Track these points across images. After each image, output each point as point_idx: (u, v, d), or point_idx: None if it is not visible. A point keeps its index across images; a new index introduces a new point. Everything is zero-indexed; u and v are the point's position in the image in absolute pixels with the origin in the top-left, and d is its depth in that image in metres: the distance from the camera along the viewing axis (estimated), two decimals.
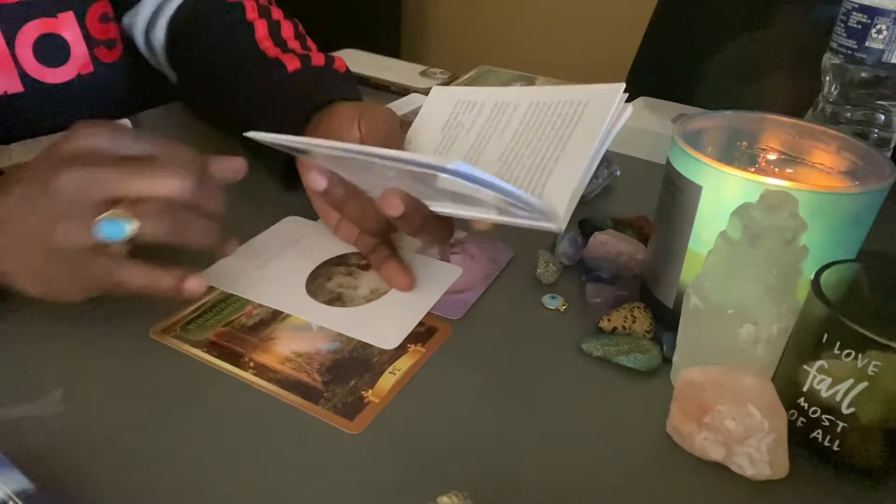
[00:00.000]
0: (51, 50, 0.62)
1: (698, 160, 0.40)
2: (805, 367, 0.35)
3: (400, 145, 0.49)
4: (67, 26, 0.63)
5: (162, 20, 0.70)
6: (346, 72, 0.63)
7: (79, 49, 0.64)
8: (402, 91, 0.85)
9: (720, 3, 1.02)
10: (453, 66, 0.97)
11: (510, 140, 0.44)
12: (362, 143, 0.48)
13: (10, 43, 0.59)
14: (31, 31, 0.60)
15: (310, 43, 0.66)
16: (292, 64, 0.59)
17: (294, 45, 0.64)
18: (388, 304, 0.47)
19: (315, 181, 0.45)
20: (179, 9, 0.69)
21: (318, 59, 0.61)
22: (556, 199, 0.39)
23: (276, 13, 0.67)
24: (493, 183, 0.35)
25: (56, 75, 0.63)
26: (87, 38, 0.64)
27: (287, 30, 0.65)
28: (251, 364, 0.41)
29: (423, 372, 0.42)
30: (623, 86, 0.41)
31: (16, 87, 0.61)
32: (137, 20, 0.71)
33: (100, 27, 0.65)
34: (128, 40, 0.71)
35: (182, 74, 0.71)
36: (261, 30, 0.64)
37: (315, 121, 0.54)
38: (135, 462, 0.35)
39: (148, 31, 0.71)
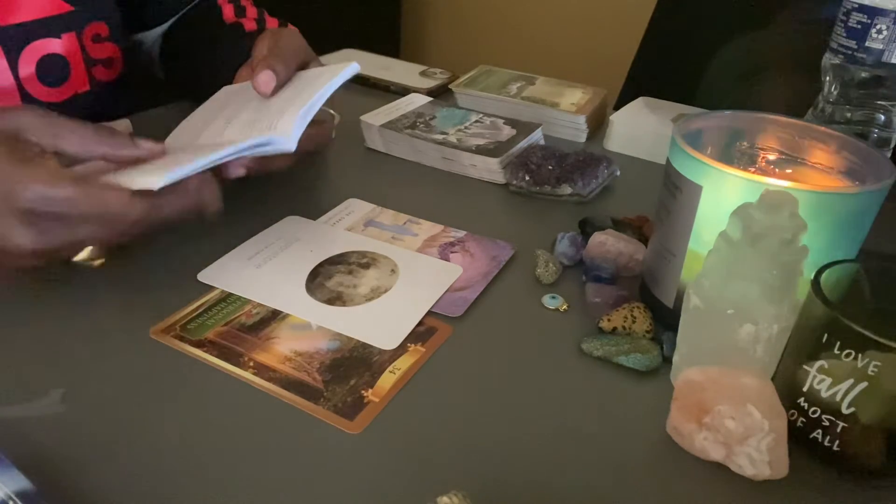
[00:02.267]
0: (52, 70, 0.62)
1: (698, 160, 0.40)
2: (805, 367, 0.35)
3: (296, 58, 0.57)
4: (68, 47, 0.63)
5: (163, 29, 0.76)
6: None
7: (78, 69, 0.64)
8: (402, 91, 0.85)
9: (720, 3, 1.02)
10: (453, 66, 0.97)
11: (263, 100, 0.54)
12: (269, 51, 0.57)
13: (14, 63, 0.59)
14: (33, 52, 0.60)
15: (266, 16, 0.74)
16: (249, 25, 0.69)
17: (252, 14, 0.72)
18: (388, 304, 0.47)
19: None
20: (176, 20, 0.77)
21: (272, 23, 0.71)
22: (284, 126, 0.49)
23: (244, 1, 0.75)
24: (248, 145, 0.48)
25: (54, 95, 0.63)
26: (86, 57, 0.65)
27: (251, 10, 0.73)
28: (251, 363, 0.41)
29: (423, 371, 0.42)
30: (355, 65, 0.54)
31: None
32: (147, 36, 0.76)
33: (95, 47, 0.66)
34: (128, 60, 0.71)
35: (168, 67, 0.78)
36: (227, 11, 0.72)
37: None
38: (135, 462, 0.35)
39: (153, 44, 0.78)
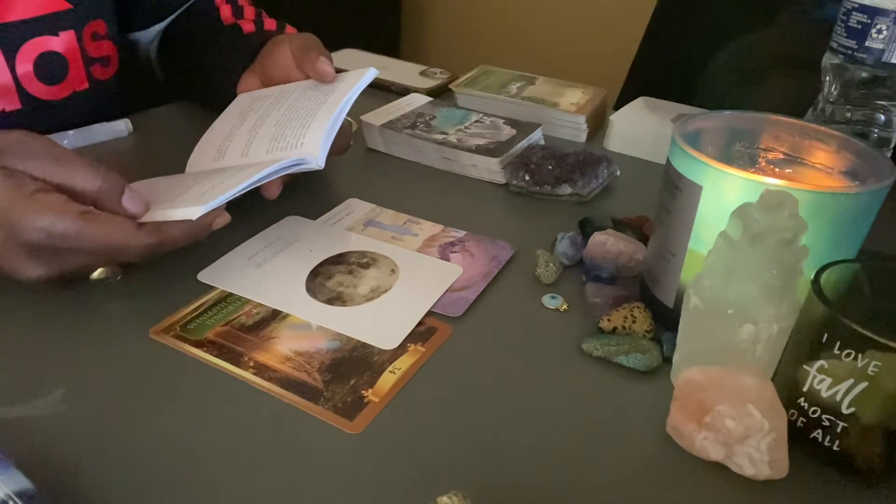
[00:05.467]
0: (50, 68, 0.62)
1: (698, 160, 0.40)
2: (805, 367, 0.35)
3: (317, 55, 0.59)
4: (67, 45, 0.63)
5: (159, 29, 0.77)
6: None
7: (76, 67, 0.64)
8: (402, 91, 0.85)
9: (720, 3, 1.02)
10: (453, 66, 0.97)
11: (285, 111, 0.55)
12: (294, 57, 0.60)
13: (11, 61, 0.59)
14: (31, 49, 0.60)
15: (265, 17, 0.75)
16: (247, 27, 0.71)
17: (250, 15, 0.73)
18: (388, 304, 0.47)
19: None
20: (173, 19, 0.77)
21: (269, 24, 0.72)
22: (312, 145, 0.50)
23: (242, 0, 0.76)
24: (277, 168, 0.49)
25: (52, 92, 0.63)
26: (84, 55, 0.65)
27: (248, 10, 0.74)
28: (251, 363, 0.41)
29: (423, 371, 0.42)
30: (373, 70, 0.56)
31: (14, 104, 0.60)
32: (144, 35, 0.77)
33: (93, 45, 0.66)
34: (124, 57, 0.71)
35: (166, 67, 0.79)
36: (225, 11, 0.73)
37: (258, 58, 0.64)
38: (135, 462, 0.35)
39: (150, 44, 0.78)
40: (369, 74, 0.55)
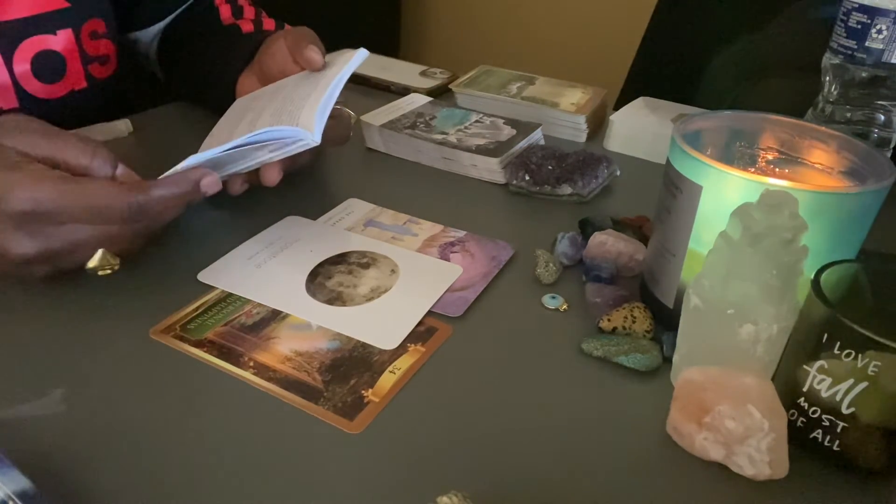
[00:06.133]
0: (47, 67, 0.62)
1: (698, 160, 0.40)
2: (805, 367, 0.35)
3: (307, 43, 0.59)
4: (65, 43, 0.63)
5: (159, 29, 0.77)
6: None
7: (74, 66, 0.64)
8: (402, 91, 0.85)
9: (720, 3, 1.03)
10: (453, 66, 0.97)
11: (280, 103, 0.55)
12: (289, 50, 0.60)
13: (9, 59, 0.59)
14: (29, 48, 0.60)
15: (264, 17, 0.75)
16: (246, 27, 0.71)
17: (249, 14, 0.74)
18: (388, 304, 0.47)
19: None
20: (173, 19, 0.77)
21: (268, 24, 0.73)
22: (306, 121, 0.50)
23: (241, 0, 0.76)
24: (270, 137, 0.49)
25: (50, 91, 0.63)
26: (82, 54, 0.64)
27: (248, 10, 0.75)
28: (251, 363, 0.41)
29: (423, 371, 0.42)
30: (363, 51, 0.55)
31: (11, 102, 0.60)
32: (144, 34, 0.77)
33: (92, 44, 0.66)
34: (122, 56, 0.71)
35: (166, 67, 0.79)
36: (224, 11, 0.73)
37: (256, 57, 0.64)
38: (135, 462, 0.35)
39: (150, 43, 0.78)
40: (359, 55, 0.55)
